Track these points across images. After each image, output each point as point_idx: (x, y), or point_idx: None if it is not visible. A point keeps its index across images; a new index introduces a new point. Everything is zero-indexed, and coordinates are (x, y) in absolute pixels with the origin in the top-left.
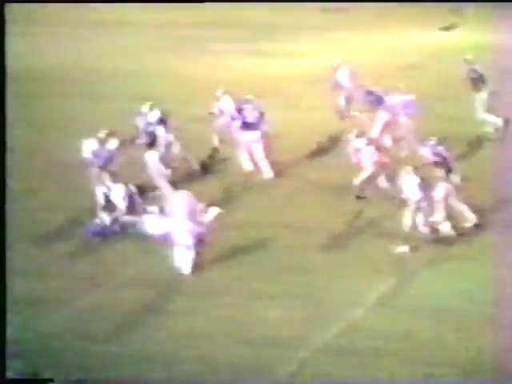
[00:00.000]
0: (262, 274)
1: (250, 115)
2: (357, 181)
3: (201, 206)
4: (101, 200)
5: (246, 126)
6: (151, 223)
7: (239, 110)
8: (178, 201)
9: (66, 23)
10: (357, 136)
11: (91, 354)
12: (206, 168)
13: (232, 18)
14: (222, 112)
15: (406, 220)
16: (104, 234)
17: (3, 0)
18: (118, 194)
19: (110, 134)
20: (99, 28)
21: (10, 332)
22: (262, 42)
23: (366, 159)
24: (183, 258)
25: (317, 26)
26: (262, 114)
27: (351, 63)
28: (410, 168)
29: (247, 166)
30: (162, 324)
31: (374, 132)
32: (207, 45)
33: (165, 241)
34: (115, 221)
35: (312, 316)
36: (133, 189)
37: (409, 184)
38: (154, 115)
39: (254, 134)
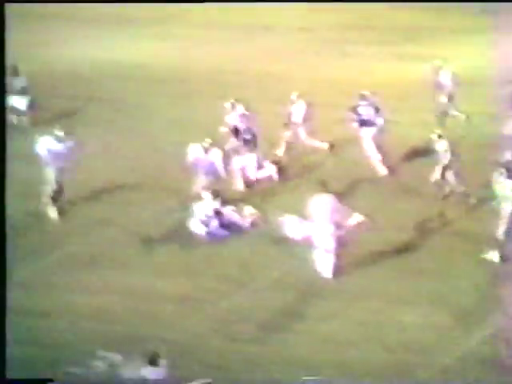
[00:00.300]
0: (403, 279)
1: (365, 112)
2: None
3: (346, 209)
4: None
5: (363, 122)
6: (291, 226)
7: (354, 108)
8: (322, 204)
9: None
10: (439, 137)
11: (233, 354)
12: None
13: (372, 21)
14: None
15: None
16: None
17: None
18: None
19: (213, 144)
20: (244, 31)
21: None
22: (401, 45)
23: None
24: (324, 262)
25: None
26: (377, 109)
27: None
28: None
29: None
30: (302, 327)
31: None
32: (347, 47)
33: (305, 244)
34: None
35: (453, 322)
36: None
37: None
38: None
39: (370, 131)
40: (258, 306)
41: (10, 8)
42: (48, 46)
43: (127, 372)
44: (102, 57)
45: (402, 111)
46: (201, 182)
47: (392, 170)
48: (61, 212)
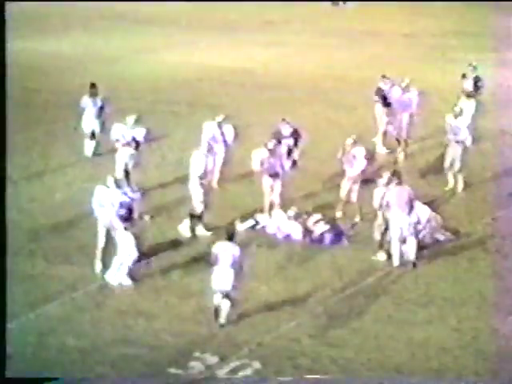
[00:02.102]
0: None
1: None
2: None
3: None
4: None
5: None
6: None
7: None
8: (400, 194)
9: (324, 33)
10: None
11: (328, 359)
12: None
13: (474, 28)
14: None
15: None
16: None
17: None
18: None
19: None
20: (347, 38)
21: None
22: (503, 52)
23: None
24: (409, 248)
25: None
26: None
27: None
28: None
29: None
30: (396, 333)
31: None
32: (449, 53)
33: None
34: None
35: None
36: None
37: None
38: None
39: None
40: (350, 311)
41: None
42: (152, 51)
43: (223, 374)
44: (204, 62)
45: (504, 118)
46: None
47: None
48: None
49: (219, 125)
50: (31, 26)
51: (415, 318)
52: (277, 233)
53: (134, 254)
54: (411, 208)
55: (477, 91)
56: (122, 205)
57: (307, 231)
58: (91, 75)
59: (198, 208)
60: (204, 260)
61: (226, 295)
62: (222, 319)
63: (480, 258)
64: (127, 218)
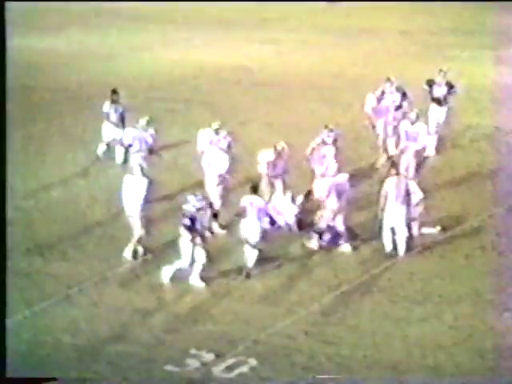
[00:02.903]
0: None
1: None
2: None
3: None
4: None
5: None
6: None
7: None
8: (396, 185)
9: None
10: None
11: (324, 356)
12: None
13: (471, 25)
14: None
15: None
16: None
17: None
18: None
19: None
20: (344, 35)
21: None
22: (500, 49)
23: None
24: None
25: None
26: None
27: None
28: None
29: None
30: (393, 331)
31: None
32: (446, 50)
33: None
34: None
35: None
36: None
37: None
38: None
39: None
40: (346, 308)
41: None
42: (148, 48)
43: (219, 371)
44: (200, 59)
45: (501, 115)
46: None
47: None
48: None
49: (216, 132)
50: (27, 23)
51: (411, 316)
52: (270, 211)
53: (202, 259)
54: (407, 199)
55: (448, 98)
56: (184, 214)
57: (301, 220)
58: (87, 72)
59: (216, 204)
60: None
61: (254, 245)
62: (250, 265)
63: (476, 255)
64: (191, 227)
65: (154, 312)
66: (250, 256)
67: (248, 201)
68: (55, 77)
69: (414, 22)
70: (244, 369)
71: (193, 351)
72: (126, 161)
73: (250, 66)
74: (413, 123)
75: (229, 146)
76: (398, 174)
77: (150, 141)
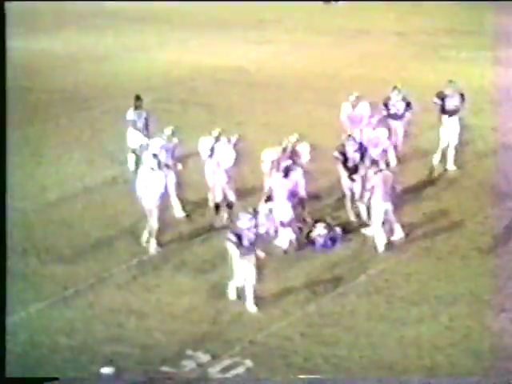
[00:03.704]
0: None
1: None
2: None
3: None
4: None
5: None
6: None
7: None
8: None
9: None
10: None
11: (320, 357)
12: None
13: (467, 26)
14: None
15: None
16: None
17: None
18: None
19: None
20: (339, 36)
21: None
22: (496, 50)
23: None
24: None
25: None
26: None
27: None
28: None
29: None
30: (388, 332)
31: None
32: (441, 51)
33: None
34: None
35: None
36: None
37: None
38: None
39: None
40: (343, 309)
41: None
42: (144, 49)
43: (215, 372)
44: (196, 60)
45: (498, 116)
46: None
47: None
48: None
49: (216, 139)
50: (23, 25)
51: (407, 316)
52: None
53: (252, 280)
54: (393, 194)
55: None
56: (232, 232)
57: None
58: (83, 73)
59: (231, 197)
60: (195, 259)
61: (288, 224)
62: (285, 246)
63: (472, 257)
64: (238, 244)
65: (149, 313)
66: (285, 236)
67: (277, 183)
68: (51, 78)
69: (410, 23)
70: (240, 370)
71: (189, 352)
72: (137, 169)
73: (247, 66)
74: (374, 128)
75: (235, 145)
76: (380, 170)
77: (175, 151)
